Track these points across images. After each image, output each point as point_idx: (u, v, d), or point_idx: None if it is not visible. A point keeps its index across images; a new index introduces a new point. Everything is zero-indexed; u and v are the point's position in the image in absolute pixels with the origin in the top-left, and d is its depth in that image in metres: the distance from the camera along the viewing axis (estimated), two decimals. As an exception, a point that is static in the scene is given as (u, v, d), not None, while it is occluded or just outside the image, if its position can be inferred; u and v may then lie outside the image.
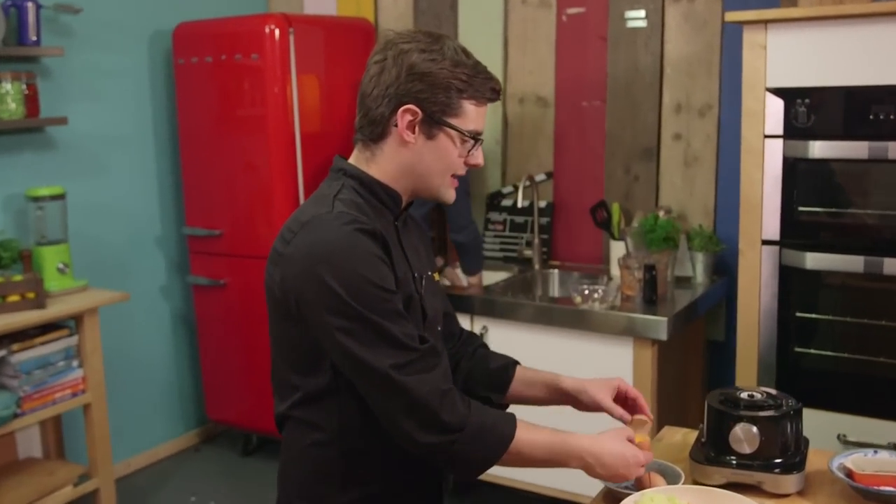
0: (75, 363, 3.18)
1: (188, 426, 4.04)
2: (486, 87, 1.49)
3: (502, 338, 3.09)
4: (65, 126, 3.33)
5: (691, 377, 3.30)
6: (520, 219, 3.68)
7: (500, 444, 1.42)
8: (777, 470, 1.58)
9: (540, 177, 3.61)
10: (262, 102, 3.45)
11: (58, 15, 3.33)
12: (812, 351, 2.60)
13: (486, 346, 1.82)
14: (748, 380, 2.62)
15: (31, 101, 3.19)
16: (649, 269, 2.93)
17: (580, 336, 2.94)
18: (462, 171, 1.54)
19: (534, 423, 1.50)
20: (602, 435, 1.52)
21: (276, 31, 3.38)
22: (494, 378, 1.74)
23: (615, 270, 3.31)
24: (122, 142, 3.63)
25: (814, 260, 2.48)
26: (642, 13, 3.32)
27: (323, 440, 1.49)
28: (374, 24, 3.92)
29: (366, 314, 1.36)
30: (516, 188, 3.51)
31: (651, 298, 2.93)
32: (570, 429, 1.57)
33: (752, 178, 2.53)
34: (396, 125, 1.47)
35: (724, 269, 3.26)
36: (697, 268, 3.17)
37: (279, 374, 1.53)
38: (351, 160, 1.55)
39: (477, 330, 3.14)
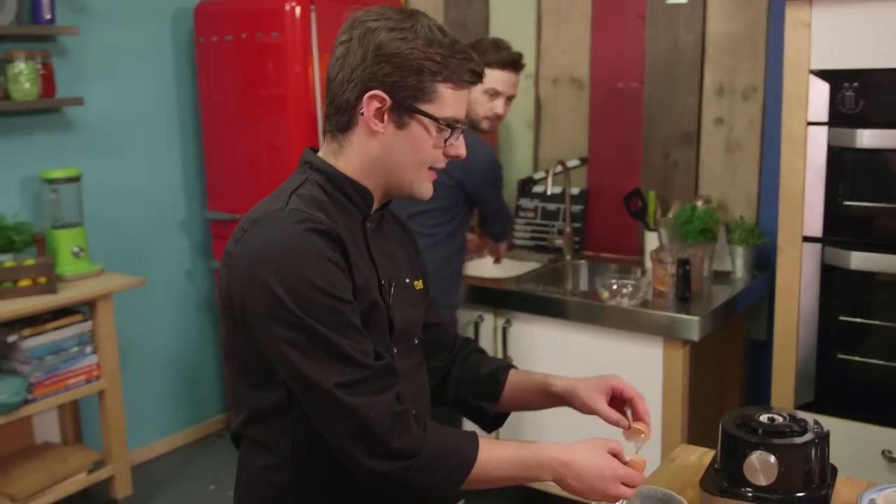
0: (89, 349, 3.11)
1: (211, 413, 3.97)
2: (463, 69, 1.32)
3: (524, 333, 2.94)
4: (81, 106, 3.25)
5: (730, 378, 3.11)
6: (552, 206, 3.50)
7: (461, 469, 1.27)
8: (800, 504, 1.40)
9: (573, 162, 3.43)
10: (283, 82, 3.32)
11: (76, -8, 3.24)
12: (856, 358, 2.39)
13: (481, 351, 1.67)
14: (785, 388, 2.43)
15: (46, 80, 3.11)
16: (683, 263, 2.74)
17: (607, 334, 2.77)
18: (441, 163, 1.38)
19: (497, 440, 1.35)
20: (579, 443, 1.35)
21: (297, 9, 3.24)
22: (484, 385, 1.59)
23: (650, 263, 3.12)
24: (142, 122, 3.54)
25: (859, 259, 2.27)
26: (684, -11, 3.10)
27: (276, 463, 1.35)
28: (403, 2, 3.76)
29: (311, 324, 1.21)
30: (548, 174, 3.34)
31: (684, 295, 2.73)
32: (562, 434, 1.42)
33: (794, 168, 2.32)
34: (363, 113, 1.32)
35: (767, 263, 3.04)
36: (737, 262, 2.96)
37: (233, 386, 1.40)
38: (320, 153, 1.40)
39: (500, 325, 2.98)
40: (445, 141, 1.35)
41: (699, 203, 3.05)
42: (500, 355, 2.99)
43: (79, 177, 3.18)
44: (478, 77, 1.36)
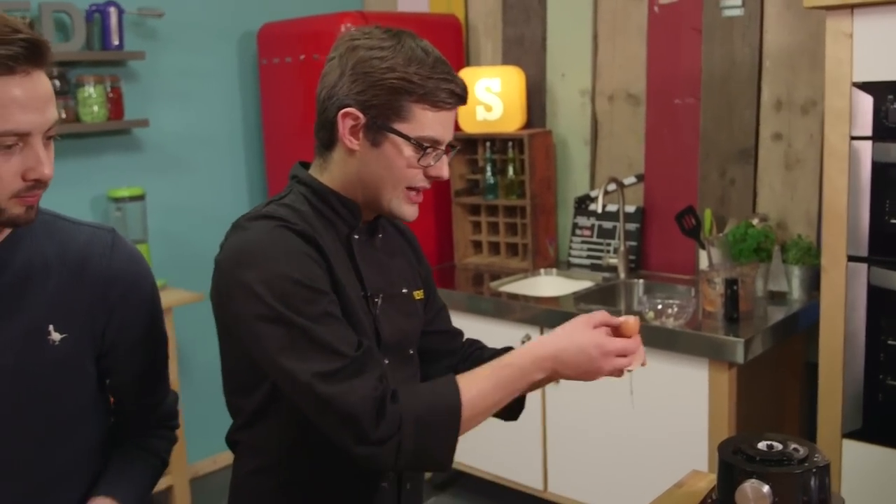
0: (149, 362, 3.22)
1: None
2: (440, 89, 1.30)
3: (571, 353, 2.89)
4: (148, 128, 3.38)
5: (789, 403, 2.99)
6: (608, 224, 3.44)
7: (451, 417, 1.25)
8: (797, 537, 1.34)
9: (629, 180, 3.37)
10: (339, 103, 3.38)
11: (143, 19, 3.38)
12: (907, 385, 2.26)
13: (484, 346, 1.66)
14: (831, 415, 2.32)
15: (114, 103, 3.25)
16: (731, 283, 2.65)
17: (652, 355, 2.67)
18: (422, 182, 1.36)
19: (471, 371, 1.33)
20: (560, 329, 1.34)
21: (352, 30, 3.30)
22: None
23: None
24: (206, 142, 3.66)
25: (908, 280, 2.15)
26: (739, 0, 3.02)
27: (263, 467, 1.38)
28: (462, 21, 3.78)
29: (290, 316, 1.23)
30: (601, 191, 3.29)
31: (732, 316, 2.65)
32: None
33: (836, 185, 2.22)
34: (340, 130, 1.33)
35: (827, 284, 2.92)
36: (793, 282, 2.85)
37: (225, 392, 1.44)
38: (310, 169, 1.42)
39: (546, 343, 2.94)
40: (419, 160, 1.33)
41: (755, 221, 2.95)
42: (546, 375, 2.96)
43: (143, 195, 3.30)
44: (458, 99, 1.34)
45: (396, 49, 1.30)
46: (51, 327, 1.29)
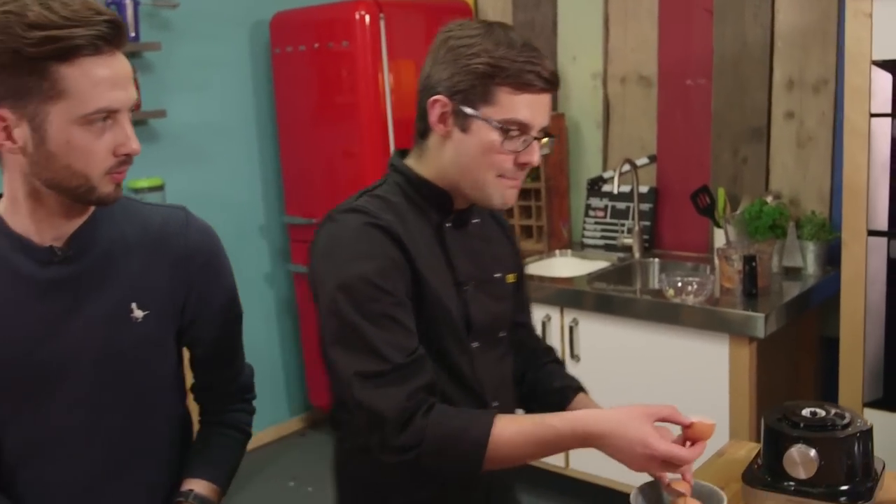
0: (173, 350, 3.26)
1: (294, 412, 4.10)
2: (525, 71, 1.29)
3: (591, 332, 2.95)
4: (165, 118, 3.41)
5: (804, 376, 3.05)
6: (621, 205, 3.50)
7: (474, 449, 1.27)
8: (843, 499, 1.40)
9: (642, 160, 3.42)
10: (355, 90, 3.42)
11: (158, 10, 3.40)
12: (927, 354, 2.33)
13: (559, 363, 1.70)
14: (853, 385, 2.38)
15: (132, 94, 3.28)
16: (749, 260, 2.71)
17: (673, 332, 2.76)
18: (512, 171, 1.35)
19: (516, 416, 1.35)
20: (616, 411, 1.27)
21: (366, 18, 3.34)
22: (552, 398, 1.61)
23: (717, 260, 3.09)
24: (222, 132, 3.69)
25: (927, 253, 2.22)
26: (750, -18, 3.07)
27: (359, 445, 1.42)
28: (471, 6, 3.82)
29: (346, 311, 1.27)
30: (616, 172, 3.34)
31: (751, 292, 2.71)
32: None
33: (857, 161, 2.28)
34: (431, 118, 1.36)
35: (840, 259, 2.98)
36: (808, 258, 2.91)
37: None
38: (407, 157, 1.45)
39: (567, 324, 3.00)
40: (503, 144, 1.32)
41: (769, 199, 3.01)
42: (567, 355, 3.02)
43: (162, 185, 3.34)
44: (546, 82, 1.32)
45: (485, 36, 1.32)
46: (133, 305, 1.34)
